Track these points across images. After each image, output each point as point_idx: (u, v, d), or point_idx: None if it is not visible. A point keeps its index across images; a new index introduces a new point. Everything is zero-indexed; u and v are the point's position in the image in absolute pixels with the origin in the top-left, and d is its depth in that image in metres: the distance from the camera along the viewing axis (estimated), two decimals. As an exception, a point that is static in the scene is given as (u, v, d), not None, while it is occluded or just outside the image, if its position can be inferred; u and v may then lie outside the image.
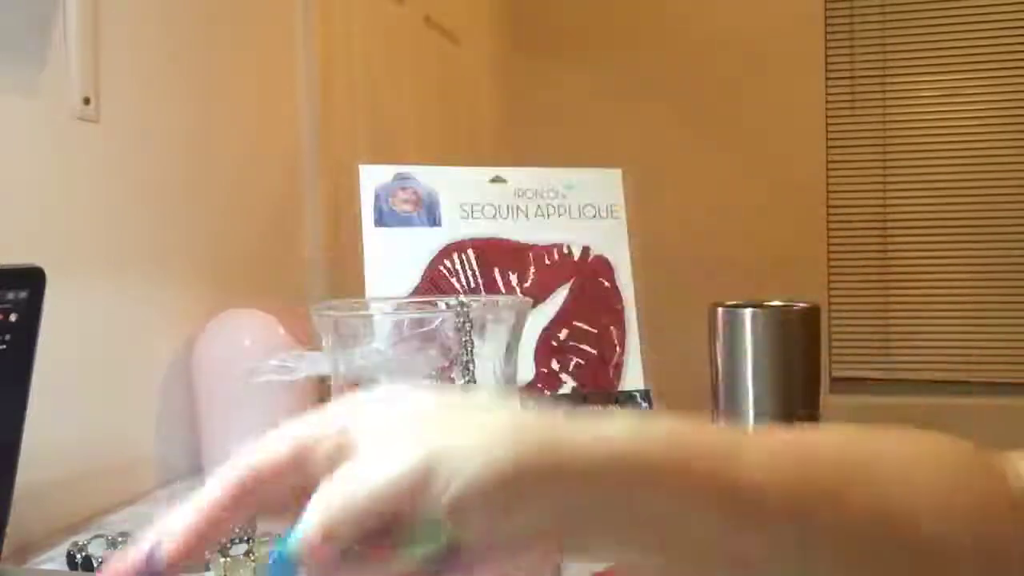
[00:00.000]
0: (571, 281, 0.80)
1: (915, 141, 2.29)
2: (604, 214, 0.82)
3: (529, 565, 0.32)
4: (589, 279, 0.80)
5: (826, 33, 2.30)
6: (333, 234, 1.32)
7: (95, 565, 0.64)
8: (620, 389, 0.78)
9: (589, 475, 0.30)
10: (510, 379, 0.49)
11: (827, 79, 2.30)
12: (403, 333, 0.46)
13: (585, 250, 0.81)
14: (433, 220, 0.78)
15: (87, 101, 0.85)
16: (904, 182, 2.30)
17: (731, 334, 0.70)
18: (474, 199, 0.80)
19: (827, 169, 2.31)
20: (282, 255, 1.23)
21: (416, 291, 0.76)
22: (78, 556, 0.65)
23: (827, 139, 2.31)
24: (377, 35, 1.53)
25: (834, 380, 2.34)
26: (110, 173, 0.89)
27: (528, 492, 0.29)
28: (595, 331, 0.79)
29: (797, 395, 0.70)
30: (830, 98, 2.31)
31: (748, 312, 0.70)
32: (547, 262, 0.80)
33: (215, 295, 1.04)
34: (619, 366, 0.79)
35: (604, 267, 0.81)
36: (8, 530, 0.64)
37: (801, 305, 0.71)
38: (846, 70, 2.31)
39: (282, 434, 0.32)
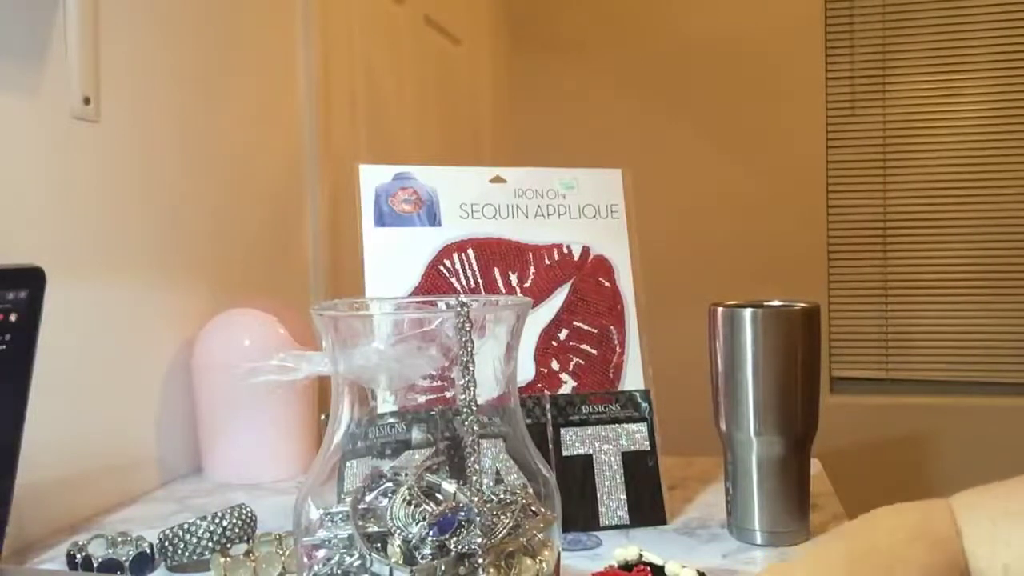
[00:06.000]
0: (571, 281, 0.80)
1: (915, 141, 2.29)
2: (604, 214, 0.82)
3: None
4: (589, 279, 0.80)
5: (826, 33, 2.30)
6: (333, 234, 1.32)
7: (95, 565, 0.64)
8: (620, 389, 0.78)
9: None
10: (510, 379, 0.49)
11: (827, 79, 2.31)
12: (403, 333, 0.46)
13: (585, 250, 0.81)
14: (433, 220, 0.78)
15: (87, 101, 0.85)
16: (904, 182, 2.30)
17: (731, 334, 0.70)
18: (474, 199, 0.80)
19: (827, 169, 2.32)
20: (282, 255, 1.23)
21: (416, 291, 0.76)
22: (78, 556, 0.65)
23: (827, 139, 2.31)
24: (377, 35, 1.53)
25: (834, 380, 2.34)
26: (110, 173, 0.89)
27: None
28: (595, 331, 0.79)
29: (797, 395, 0.70)
30: (830, 98, 2.31)
31: (748, 312, 0.70)
32: (547, 262, 0.80)
33: (215, 295, 1.04)
34: (619, 366, 0.79)
35: (604, 267, 0.81)
36: (8, 530, 0.64)
37: (801, 305, 0.71)
38: (846, 70, 2.31)
39: None
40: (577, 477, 0.74)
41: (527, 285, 0.79)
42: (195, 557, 0.65)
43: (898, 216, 2.31)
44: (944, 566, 0.44)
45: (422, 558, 0.42)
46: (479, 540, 0.43)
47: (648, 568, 0.60)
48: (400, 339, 0.45)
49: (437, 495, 0.44)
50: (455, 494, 0.44)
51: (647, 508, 0.75)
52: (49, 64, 0.81)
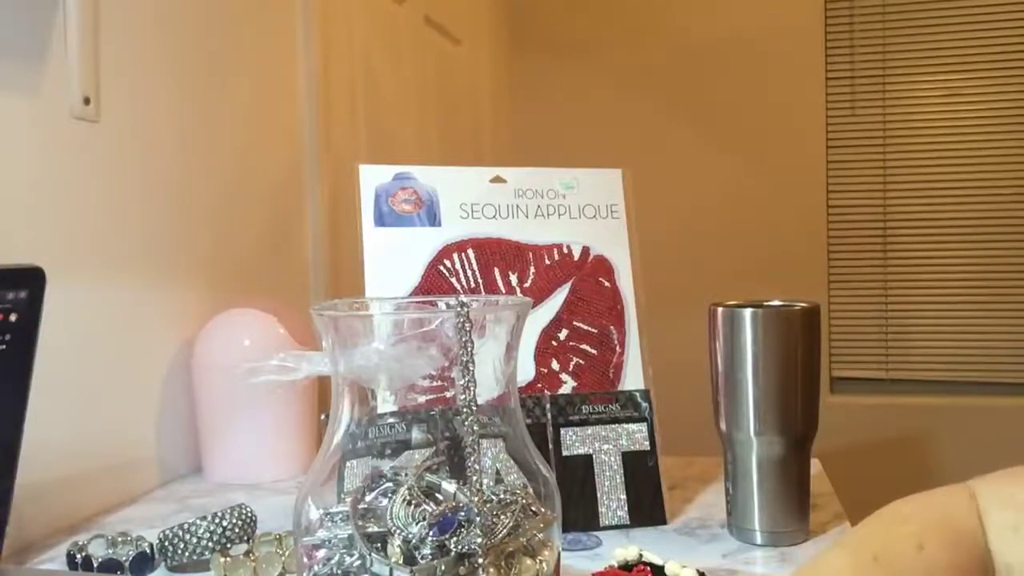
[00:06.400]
0: (571, 281, 0.80)
1: (915, 141, 2.29)
2: (604, 214, 0.82)
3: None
4: (589, 279, 0.80)
5: (826, 33, 2.30)
6: (333, 234, 1.32)
7: (95, 565, 0.64)
8: (620, 389, 0.78)
9: None
10: (510, 379, 0.49)
11: (827, 79, 2.31)
12: (403, 333, 0.46)
13: (585, 250, 0.81)
14: (433, 220, 0.78)
15: (87, 101, 0.85)
16: (904, 182, 2.30)
17: (731, 334, 0.70)
18: (474, 199, 0.80)
19: (827, 169, 2.32)
20: (282, 255, 1.23)
21: (416, 291, 0.76)
22: (78, 556, 0.65)
23: (827, 139, 2.31)
24: (377, 35, 1.53)
25: (834, 380, 2.34)
26: (110, 173, 0.89)
27: None
28: (595, 331, 0.79)
29: (797, 395, 0.70)
30: (830, 98, 2.31)
31: (748, 312, 0.70)
32: (547, 262, 0.80)
33: (215, 295, 1.04)
34: (619, 366, 0.79)
35: (604, 267, 0.81)
36: (8, 530, 0.64)
37: (801, 305, 0.71)
38: (846, 70, 2.31)
39: None
40: (577, 477, 0.74)
41: (527, 285, 0.79)
42: (195, 557, 0.65)
43: (898, 216, 2.31)
44: (966, 562, 0.43)
45: (422, 558, 0.42)
46: (479, 540, 0.43)
47: (648, 568, 0.60)
48: (400, 339, 0.45)
49: (437, 495, 0.44)
50: (455, 494, 0.44)
51: (647, 508, 0.75)
52: (49, 64, 0.81)
